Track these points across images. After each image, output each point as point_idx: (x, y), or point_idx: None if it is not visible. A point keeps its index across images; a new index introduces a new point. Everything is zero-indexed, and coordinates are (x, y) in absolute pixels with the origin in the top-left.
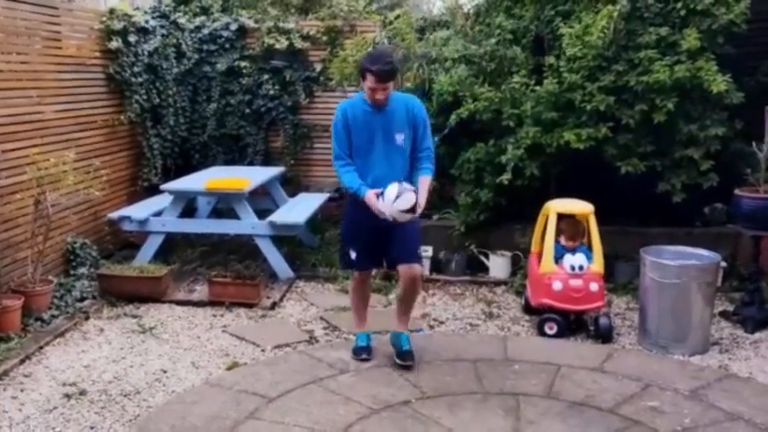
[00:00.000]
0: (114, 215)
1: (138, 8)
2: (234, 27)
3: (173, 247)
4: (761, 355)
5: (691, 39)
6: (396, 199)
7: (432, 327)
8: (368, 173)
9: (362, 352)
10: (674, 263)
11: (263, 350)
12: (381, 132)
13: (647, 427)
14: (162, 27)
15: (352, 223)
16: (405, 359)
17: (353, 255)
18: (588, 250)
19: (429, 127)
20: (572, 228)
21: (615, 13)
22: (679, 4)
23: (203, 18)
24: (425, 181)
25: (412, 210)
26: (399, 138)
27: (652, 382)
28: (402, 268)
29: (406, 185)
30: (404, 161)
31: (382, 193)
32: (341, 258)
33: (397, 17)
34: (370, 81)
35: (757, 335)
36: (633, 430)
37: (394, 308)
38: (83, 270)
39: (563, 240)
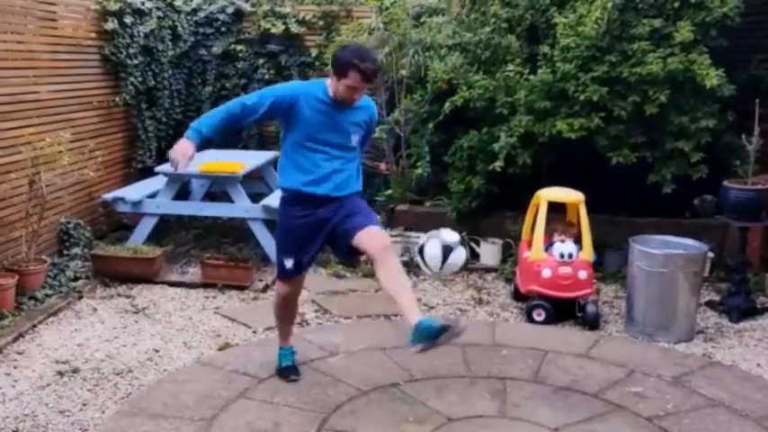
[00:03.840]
0: (108, 196)
1: None
2: (230, 10)
3: (166, 228)
4: (744, 344)
5: (684, 31)
6: (446, 260)
7: (422, 312)
8: (316, 169)
9: (290, 372)
10: (661, 252)
11: (254, 332)
12: (339, 127)
13: (630, 412)
14: (158, 9)
15: (287, 225)
16: (446, 332)
17: (289, 263)
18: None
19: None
20: (564, 225)
21: (609, 4)
22: None
23: (200, 1)
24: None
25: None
26: (355, 139)
27: (636, 369)
28: (367, 239)
29: (448, 235)
30: (355, 164)
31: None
32: (277, 267)
33: (393, 3)
34: (353, 79)
35: (742, 324)
36: (616, 414)
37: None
38: (76, 250)
39: (555, 236)
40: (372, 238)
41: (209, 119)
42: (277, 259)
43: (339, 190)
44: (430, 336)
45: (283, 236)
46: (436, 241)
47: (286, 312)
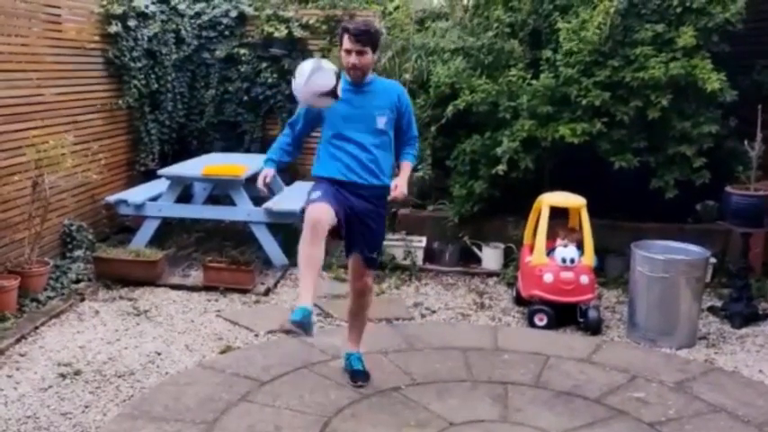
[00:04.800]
0: (111, 199)
1: None
2: (234, 14)
3: (168, 231)
4: (746, 350)
5: (686, 36)
6: (311, 75)
7: (423, 316)
8: (341, 156)
9: (300, 327)
10: (663, 257)
11: (256, 335)
12: (361, 113)
13: (632, 417)
14: (162, 12)
15: (321, 185)
16: (356, 380)
17: (317, 194)
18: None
19: (414, 115)
20: (567, 231)
21: (612, 9)
22: (675, 2)
23: (203, 4)
24: (407, 166)
25: (331, 94)
26: (381, 121)
27: (638, 374)
28: (355, 269)
29: (325, 62)
30: (385, 148)
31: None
32: (305, 204)
33: (397, 8)
34: (345, 42)
35: (744, 330)
36: (618, 419)
37: (386, 297)
38: (79, 252)
39: (559, 241)
40: (360, 277)
41: (275, 146)
42: (306, 200)
43: (368, 177)
44: (347, 365)
45: (319, 187)
46: (313, 60)
47: (312, 251)
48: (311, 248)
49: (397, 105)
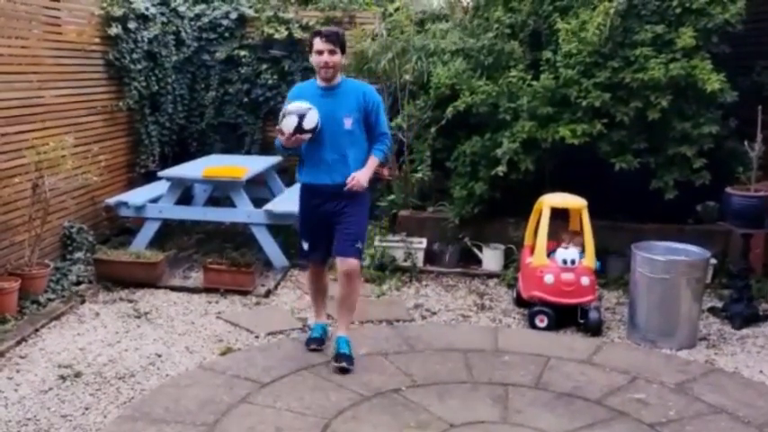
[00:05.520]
0: (111, 201)
1: None
2: (233, 16)
3: (169, 233)
4: (747, 351)
5: (686, 37)
6: (282, 122)
7: (424, 317)
8: (314, 156)
9: (312, 342)
10: (663, 258)
11: (256, 337)
12: (329, 115)
13: (633, 419)
14: (162, 14)
15: (303, 211)
16: (339, 360)
17: (306, 245)
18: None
19: (383, 112)
20: (570, 234)
21: (612, 10)
22: (675, 2)
23: (203, 6)
24: (372, 160)
25: (300, 130)
26: (348, 122)
27: (639, 375)
28: (337, 261)
29: (291, 106)
30: (356, 148)
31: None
32: (298, 250)
33: (397, 9)
34: (317, 44)
35: (744, 331)
36: (618, 421)
37: (386, 298)
38: (79, 254)
39: (563, 245)
40: (340, 266)
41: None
42: (298, 243)
43: (337, 178)
44: (334, 348)
45: (300, 222)
46: (293, 117)
47: (313, 289)
48: (317, 285)
49: (363, 105)
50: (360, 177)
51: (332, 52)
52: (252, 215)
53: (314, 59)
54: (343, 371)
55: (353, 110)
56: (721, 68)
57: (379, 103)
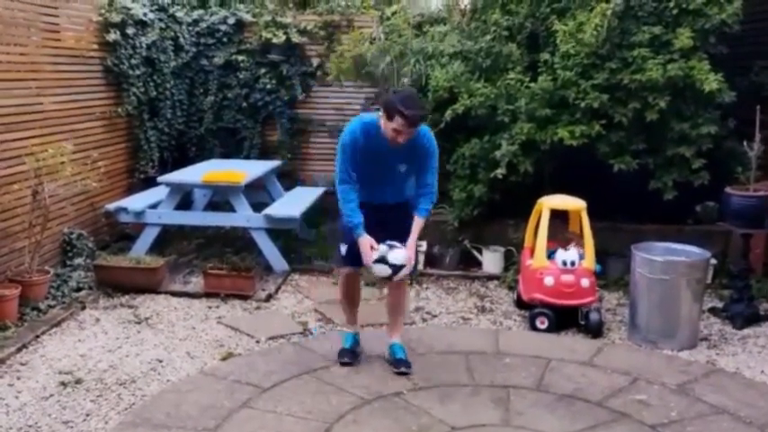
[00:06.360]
0: (111, 206)
1: (136, 0)
2: (231, 21)
3: (169, 238)
4: (748, 351)
5: (683, 38)
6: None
7: (425, 320)
8: (366, 189)
9: (345, 355)
10: (663, 259)
11: (257, 341)
12: (387, 160)
13: (634, 420)
14: (160, 20)
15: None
16: (398, 366)
17: (344, 250)
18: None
19: (436, 161)
20: (572, 237)
21: (609, 12)
22: (672, 4)
23: (201, 11)
24: (417, 223)
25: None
26: (402, 168)
27: (640, 376)
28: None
29: (399, 252)
30: (407, 184)
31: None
32: (335, 254)
33: (395, 13)
34: (398, 123)
35: (745, 331)
36: (620, 422)
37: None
38: (79, 261)
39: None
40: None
41: (351, 209)
42: (336, 247)
43: (389, 199)
44: (390, 355)
45: (342, 224)
46: (402, 253)
47: (349, 295)
48: (353, 290)
49: (415, 152)
50: (412, 257)
51: (412, 132)
52: (251, 219)
53: (389, 131)
54: (404, 375)
55: (409, 159)
56: (719, 69)
57: (433, 150)
